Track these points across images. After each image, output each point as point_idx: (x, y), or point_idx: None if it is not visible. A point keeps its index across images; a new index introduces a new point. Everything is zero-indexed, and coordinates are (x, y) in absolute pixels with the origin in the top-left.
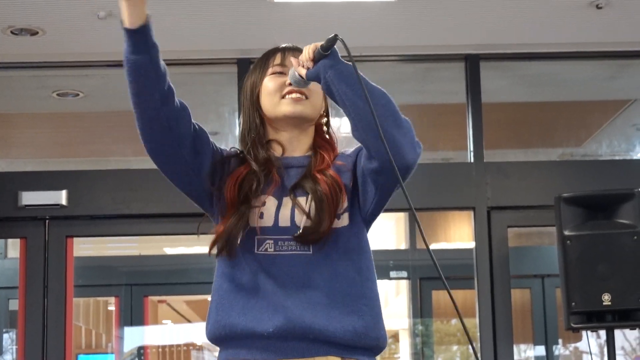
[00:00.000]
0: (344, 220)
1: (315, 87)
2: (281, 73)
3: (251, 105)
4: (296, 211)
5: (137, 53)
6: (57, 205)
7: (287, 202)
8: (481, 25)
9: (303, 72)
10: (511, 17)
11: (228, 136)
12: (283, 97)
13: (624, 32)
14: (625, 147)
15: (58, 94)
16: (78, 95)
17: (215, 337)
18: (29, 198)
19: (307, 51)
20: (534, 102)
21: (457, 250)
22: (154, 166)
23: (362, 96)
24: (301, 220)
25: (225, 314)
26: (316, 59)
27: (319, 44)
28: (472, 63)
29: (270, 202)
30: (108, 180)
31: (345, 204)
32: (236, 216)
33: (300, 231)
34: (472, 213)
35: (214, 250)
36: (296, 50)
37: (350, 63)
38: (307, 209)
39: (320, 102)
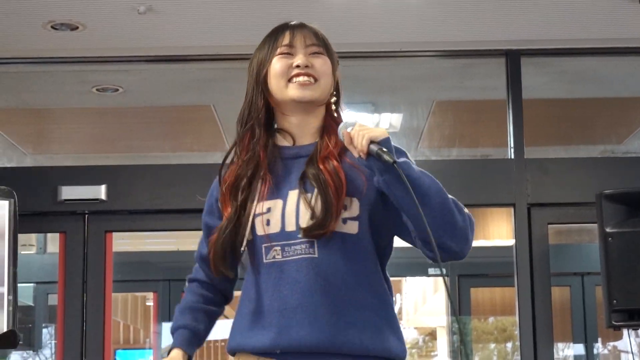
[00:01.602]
0: (351, 227)
1: (325, 67)
2: (289, 54)
3: (256, 86)
4: (301, 210)
5: None
6: (97, 200)
7: (292, 199)
8: (522, 20)
9: (355, 154)
10: (552, 13)
11: None
12: (290, 80)
13: None
14: None
15: (98, 89)
16: (117, 90)
17: (231, 353)
18: (69, 193)
19: (360, 139)
20: (574, 99)
21: (496, 248)
22: (192, 161)
23: (422, 202)
24: (306, 220)
25: (235, 333)
26: (370, 152)
27: (374, 134)
28: (513, 59)
29: (276, 206)
30: (147, 175)
31: (357, 212)
32: (228, 229)
33: (305, 225)
34: (512, 210)
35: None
36: (304, 28)
37: (403, 162)
38: (312, 204)
39: (330, 83)
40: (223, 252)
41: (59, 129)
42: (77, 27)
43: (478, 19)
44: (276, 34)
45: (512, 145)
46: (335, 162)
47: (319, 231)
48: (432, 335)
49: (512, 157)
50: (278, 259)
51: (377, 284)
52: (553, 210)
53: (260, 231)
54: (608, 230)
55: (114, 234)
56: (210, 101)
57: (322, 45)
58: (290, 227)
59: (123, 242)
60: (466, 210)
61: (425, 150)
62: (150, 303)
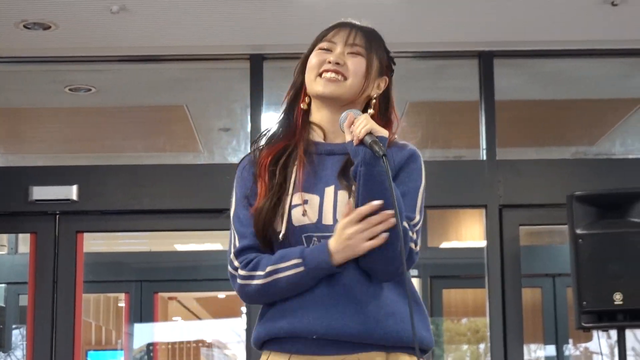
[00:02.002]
0: None
1: (358, 67)
2: (327, 50)
3: (299, 78)
4: (338, 206)
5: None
6: (68, 200)
7: (329, 195)
8: (495, 22)
9: (348, 137)
10: (525, 15)
11: (239, 132)
12: (320, 74)
13: (639, 29)
14: (638, 146)
15: (70, 89)
16: (90, 90)
17: (268, 340)
18: (40, 193)
19: (361, 126)
20: (547, 100)
21: (468, 249)
22: (164, 162)
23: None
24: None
25: (271, 318)
26: (363, 141)
27: (376, 128)
28: (486, 60)
29: (313, 199)
30: (119, 175)
31: None
32: (271, 199)
33: None
34: (484, 211)
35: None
36: (354, 27)
37: (384, 168)
38: (351, 206)
39: (360, 82)
40: (265, 232)
41: (31, 129)
42: (50, 27)
43: (451, 21)
44: (327, 29)
45: (484, 146)
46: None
47: None
48: None
49: (484, 158)
50: None
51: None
52: (524, 211)
53: (297, 222)
54: (578, 231)
55: (86, 235)
56: (183, 101)
57: (365, 46)
58: (327, 220)
59: (96, 243)
60: (414, 247)
61: None
62: (122, 304)
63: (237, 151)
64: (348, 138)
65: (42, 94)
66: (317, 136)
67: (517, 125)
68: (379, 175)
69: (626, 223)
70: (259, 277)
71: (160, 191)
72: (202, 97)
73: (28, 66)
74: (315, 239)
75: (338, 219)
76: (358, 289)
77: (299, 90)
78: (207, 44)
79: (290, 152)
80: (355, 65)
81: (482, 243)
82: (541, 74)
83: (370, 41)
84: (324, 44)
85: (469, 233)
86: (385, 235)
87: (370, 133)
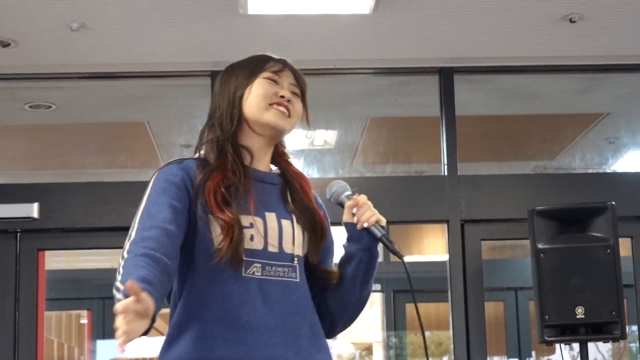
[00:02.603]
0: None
1: (299, 110)
2: (275, 82)
3: (230, 105)
4: (284, 235)
5: None
6: (29, 218)
7: (271, 220)
8: (455, 38)
9: (347, 217)
10: (485, 31)
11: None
12: (271, 104)
13: (597, 45)
14: (598, 161)
15: (30, 106)
16: (50, 107)
17: None
18: (0, 211)
19: (369, 214)
20: (507, 115)
21: (431, 263)
22: (126, 179)
23: (363, 292)
24: (290, 248)
25: (197, 341)
26: (369, 230)
27: (380, 218)
28: (446, 76)
29: (258, 223)
30: (80, 193)
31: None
32: (236, 229)
33: (290, 251)
34: (445, 226)
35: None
36: (293, 68)
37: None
38: (298, 236)
39: (296, 123)
40: (239, 248)
41: None
42: (9, 44)
43: (412, 37)
44: (264, 61)
45: (445, 162)
46: (321, 213)
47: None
48: (368, 350)
49: (446, 173)
50: (257, 276)
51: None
52: (486, 226)
53: (244, 244)
54: (540, 246)
55: (48, 252)
56: (144, 118)
57: (301, 91)
58: (273, 248)
59: (58, 260)
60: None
61: (359, 166)
62: (84, 321)
63: None
64: (347, 218)
65: (2, 112)
66: (245, 159)
67: (478, 141)
68: (375, 262)
69: (587, 237)
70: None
71: (122, 208)
72: (164, 113)
73: None
74: (258, 266)
75: (284, 249)
76: (298, 318)
77: (236, 113)
78: (168, 61)
79: (234, 180)
80: (298, 107)
81: (445, 257)
82: (501, 89)
83: (304, 86)
84: (267, 74)
85: (431, 247)
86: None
87: (376, 222)
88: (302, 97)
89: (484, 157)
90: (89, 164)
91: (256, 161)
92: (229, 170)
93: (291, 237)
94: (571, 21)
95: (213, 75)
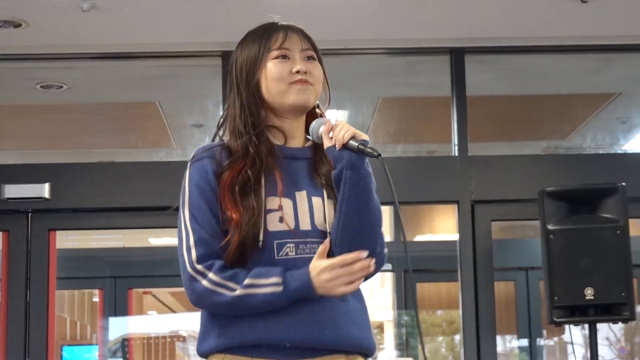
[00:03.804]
0: None
1: (319, 73)
2: (284, 57)
3: (247, 89)
4: (315, 212)
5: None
6: (40, 198)
7: (302, 199)
8: (466, 18)
9: (327, 143)
10: (496, 11)
11: (212, 129)
12: (290, 84)
13: (609, 25)
14: (609, 141)
15: (42, 86)
16: (62, 87)
17: (231, 347)
18: (12, 191)
19: (344, 131)
20: (518, 96)
21: (442, 242)
22: (137, 159)
23: (360, 211)
24: (322, 224)
25: (245, 328)
26: (348, 145)
27: (358, 133)
28: (457, 56)
29: (287, 204)
30: (91, 173)
31: None
32: (249, 224)
33: (321, 227)
34: (456, 207)
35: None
36: (297, 31)
37: (368, 171)
38: (330, 212)
39: (321, 86)
40: (245, 247)
41: (3, 126)
42: (20, 25)
43: (422, 17)
44: (267, 35)
45: (456, 142)
46: None
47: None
48: (380, 328)
49: (456, 154)
50: (291, 256)
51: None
52: (496, 207)
53: (273, 227)
54: (550, 227)
55: (60, 232)
56: (155, 98)
57: (314, 49)
58: (305, 226)
59: (71, 239)
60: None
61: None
62: (96, 299)
63: None
64: (327, 144)
65: (14, 92)
66: (277, 140)
67: (488, 121)
68: (365, 178)
69: (597, 218)
70: (235, 289)
71: (133, 188)
72: (175, 93)
73: None
74: (291, 246)
75: (317, 225)
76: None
77: (256, 100)
78: (179, 41)
79: (259, 162)
80: (317, 71)
81: (456, 236)
82: (512, 69)
83: (314, 43)
84: (277, 52)
85: (442, 226)
86: (361, 281)
87: (353, 137)
88: (317, 54)
89: (494, 138)
90: (101, 144)
91: (290, 138)
92: (247, 165)
93: (322, 214)
94: (583, 1)
95: (224, 55)
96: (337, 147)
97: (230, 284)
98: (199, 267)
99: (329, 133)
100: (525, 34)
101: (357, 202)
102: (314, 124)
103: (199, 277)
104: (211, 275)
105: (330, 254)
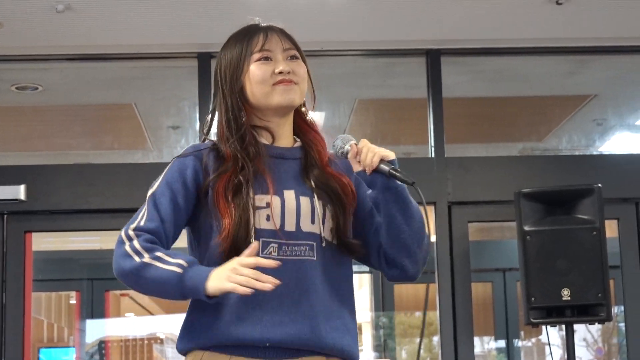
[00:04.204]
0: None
1: (303, 71)
2: (267, 58)
3: (232, 93)
4: (302, 213)
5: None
6: (16, 200)
7: (290, 198)
8: (442, 20)
9: (356, 167)
10: (472, 13)
11: (188, 130)
12: (273, 85)
13: (584, 27)
14: (585, 142)
15: (17, 88)
16: (37, 89)
17: (210, 345)
18: None
19: (371, 155)
20: (494, 97)
21: None
22: (113, 161)
23: (412, 225)
24: (308, 226)
25: (213, 325)
26: (378, 169)
27: (385, 154)
28: (433, 58)
29: (275, 202)
30: (67, 175)
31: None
32: (240, 220)
33: (307, 229)
34: (432, 208)
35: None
36: (278, 31)
37: (402, 186)
38: (319, 213)
39: (306, 85)
40: (238, 244)
41: None
42: None
43: (399, 19)
44: (248, 36)
45: (432, 144)
46: (345, 178)
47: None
48: (357, 330)
49: (433, 155)
50: (274, 256)
51: (352, 291)
52: (473, 208)
53: (260, 225)
54: (526, 228)
55: (37, 233)
56: (131, 99)
57: (296, 48)
58: (290, 227)
59: (48, 241)
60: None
61: None
62: (73, 301)
63: None
64: (357, 168)
65: None
66: (264, 139)
67: (465, 122)
68: (402, 194)
69: (573, 220)
70: (144, 257)
71: (108, 190)
72: (151, 95)
73: None
74: (274, 246)
75: (301, 227)
76: (314, 297)
77: (240, 105)
78: (155, 42)
79: (243, 167)
80: (301, 69)
81: (432, 239)
82: (488, 71)
83: (296, 42)
84: (258, 55)
85: None
86: (250, 291)
87: (381, 159)
88: (300, 53)
89: (471, 139)
90: (77, 146)
91: (278, 137)
92: (236, 170)
93: (309, 216)
94: (557, 3)
95: (200, 56)
96: (368, 172)
97: (144, 253)
98: (131, 232)
99: (356, 157)
100: (501, 36)
101: (402, 218)
102: (337, 140)
103: (125, 240)
104: (135, 241)
105: (390, 262)
